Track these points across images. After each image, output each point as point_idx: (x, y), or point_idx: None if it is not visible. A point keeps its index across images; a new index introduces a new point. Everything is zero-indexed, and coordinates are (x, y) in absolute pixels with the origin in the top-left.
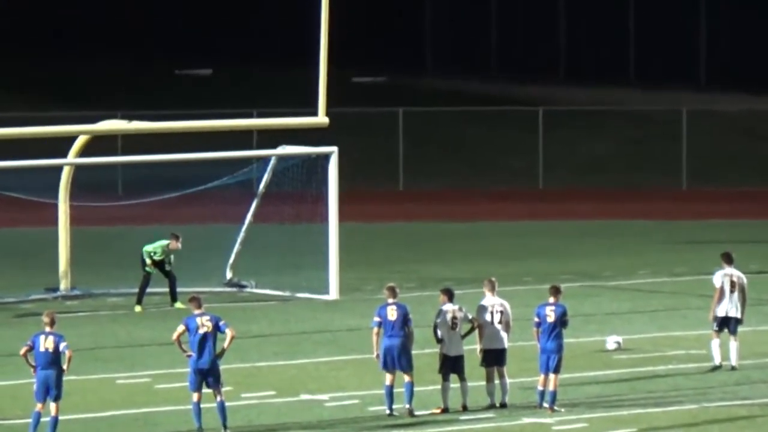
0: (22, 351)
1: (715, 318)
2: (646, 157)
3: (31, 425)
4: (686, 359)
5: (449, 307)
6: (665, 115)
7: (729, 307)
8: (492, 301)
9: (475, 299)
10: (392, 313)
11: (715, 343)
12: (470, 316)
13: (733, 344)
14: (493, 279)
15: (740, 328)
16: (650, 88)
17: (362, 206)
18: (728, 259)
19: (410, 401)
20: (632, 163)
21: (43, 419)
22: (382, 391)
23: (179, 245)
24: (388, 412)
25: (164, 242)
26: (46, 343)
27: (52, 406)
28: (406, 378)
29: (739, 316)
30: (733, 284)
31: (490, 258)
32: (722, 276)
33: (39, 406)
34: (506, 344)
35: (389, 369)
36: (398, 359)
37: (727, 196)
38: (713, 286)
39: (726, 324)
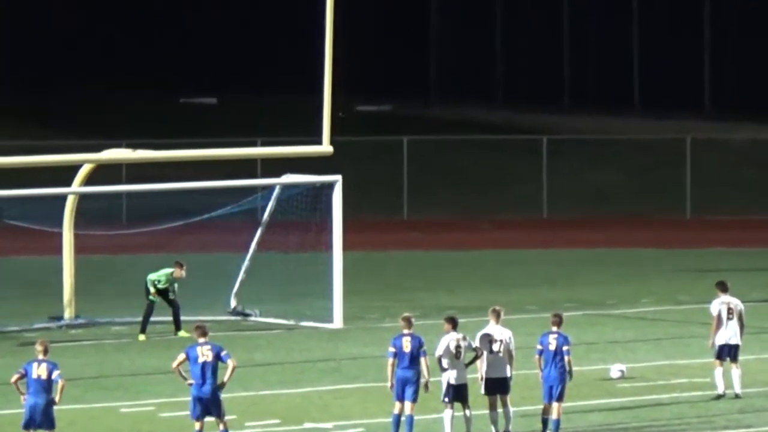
0: (14, 378)
1: (715, 346)
2: (650, 185)
3: None
4: (690, 387)
5: (453, 336)
6: (669, 143)
7: (728, 335)
8: (494, 329)
9: (479, 328)
10: (407, 345)
11: (718, 372)
12: (474, 345)
13: (736, 372)
14: (498, 308)
15: (742, 356)
16: (655, 116)
17: (367, 235)
18: (723, 288)
19: None
20: (636, 191)
21: None
22: (387, 420)
23: (183, 273)
24: None
25: (168, 270)
26: (38, 370)
27: None
28: (409, 410)
29: (738, 342)
30: (730, 311)
31: (494, 286)
32: (719, 304)
33: None
34: (509, 373)
35: (400, 398)
36: (407, 390)
37: (730, 225)
38: (711, 316)
39: (726, 352)
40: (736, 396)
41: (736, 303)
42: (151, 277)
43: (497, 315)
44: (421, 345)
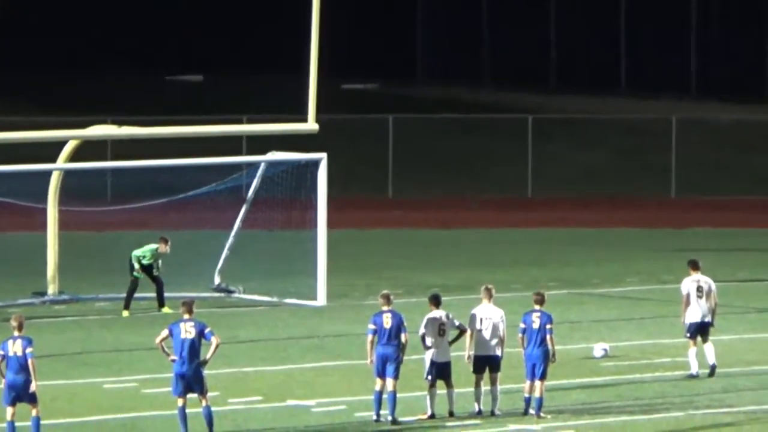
0: None
1: (688, 326)
2: (635, 165)
3: None
4: (673, 367)
5: (436, 314)
6: (655, 124)
7: (700, 313)
8: (485, 309)
9: (463, 306)
10: (387, 321)
11: (692, 352)
12: (457, 323)
13: (708, 347)
14: (490, 286)
15: (726, 336)
16: (640, 97)
17: (351, 213)
18: (695, 266)
19: (393, 411)
20: (621, 171)
21: (18, 424)
22: (370, 397)
23: (168, 249)
24: (374, 418)
25: (153, 246)
26: (14, 347)
27: (33, 411)
28: (391, 387)
29: (710, 320)
30: (700, 289)
31: (478, 265)
32: (689, 283)
33: (10, 411)
34: (498, 352)
35: (381, 375)
36: (389, 367)
37: (715, 205)
38: (680, 294)
39: (699, 330)
40: (713, 366)
41: (707, 281)
42: (135, 253)
43: (489, 294)
44: (401, 321)
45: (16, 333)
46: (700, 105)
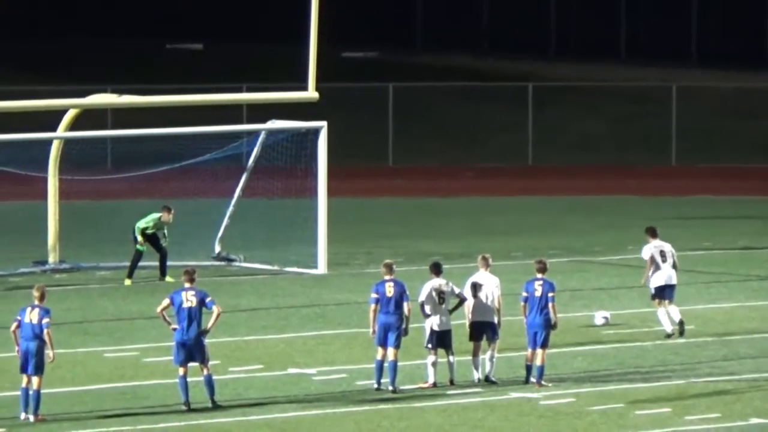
0: (12, 327)
1: (654, 289)
2: (636, 133)
3: (21, 400)
4: (674, 334)
5: (436, 282)
6: (655, 91)
7: (666, 276)
8: (482, 277)
9: (463, 274)
10: (390, 290)
11: (662, 312)
12: (457, 291)
13: (673, 308)
14: (487, 255)
15: (728, 303)
16: (640, 64)
17: (351, 181)
18: (653, 233)
19: (394, 380)
20: (622, 139)
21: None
22: (371, 366)
23: (171, 218)
24: (376, 386)
25: (156, 215)
26: (30, 315)
27: (34, 380)
28: (392, 356)
29: (675, 283)
30: (663, 254)
31: (478, 233)
32: (652, 248)
33: (25, 379)
34: (495, 318)
35: (383, 344)
36: (390, 336)
37: (716, 173)
38: (643, 260)
39: (667, 293)
40: (680, 322)
41: (669, 247)
42: (139, 225)
43: (486, 262)
44: (404, 290)
45: (36, 302)
46: (700, 73)
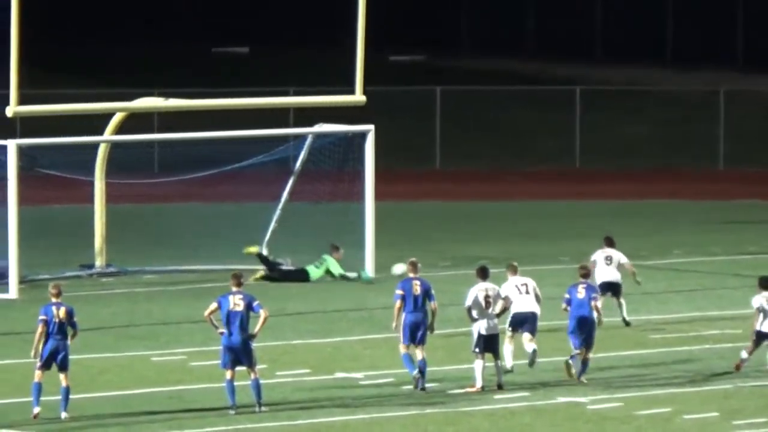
0: (39, 330)
1: (599, 284)
2: (683, 137)
3: (34, 395)
4: (721, 339)
5: (482, 286)
6: (702, 95)
7: (608, 275)
8: (516, 280)
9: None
10: (416, 288)
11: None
12: (503, 295)
13: (622, 301)
14: (514, 263)
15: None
16: (687, 68)
17: (398, 185)
18: (609, 243)
19: (424, 379)
20: (669, 143)
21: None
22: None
23: (341, 255)
24: (414, 372)
25: (328, 257)
26: (59, 313)
27: (62, 376)
28: (420, 355)
29: (619, 282)
30: (609, 258)
31: (525, 237)
32: (600, 253)
33: (38, 374)
34: (536, 310)
35: (411, 343)
36: (417, 334)
37: (763, 177)
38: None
39: (609, 288)
40: (624, 319)
41: (619, 255)
42: (335, 271)
43: (514, 269)
44: (429, 289)
45: (53, 300)
46: (747, 76)
